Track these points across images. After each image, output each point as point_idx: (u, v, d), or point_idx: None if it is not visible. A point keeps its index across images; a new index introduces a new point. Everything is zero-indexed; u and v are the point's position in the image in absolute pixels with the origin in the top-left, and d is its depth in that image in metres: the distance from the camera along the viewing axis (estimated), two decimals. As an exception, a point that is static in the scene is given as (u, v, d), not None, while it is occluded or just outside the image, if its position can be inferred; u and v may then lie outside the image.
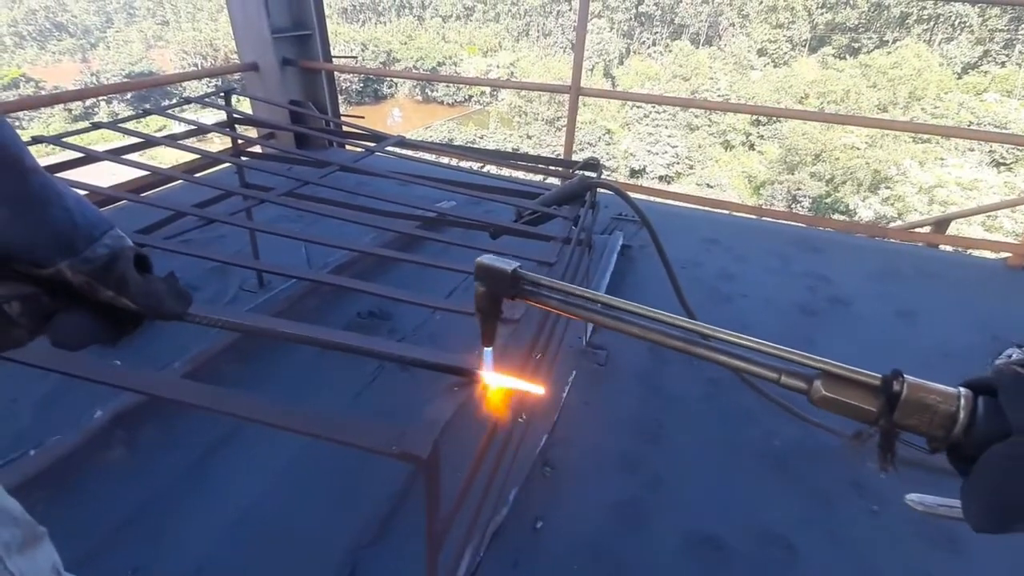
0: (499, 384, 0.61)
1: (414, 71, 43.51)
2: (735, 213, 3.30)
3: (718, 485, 1.47)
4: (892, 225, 3.83)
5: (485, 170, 2.69)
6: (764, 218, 3.16)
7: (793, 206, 28.92)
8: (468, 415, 0.64)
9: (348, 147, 3.12)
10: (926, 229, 3.47)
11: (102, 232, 0.44)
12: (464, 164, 2.71)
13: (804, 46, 44.35)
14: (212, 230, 2.25)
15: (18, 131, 0.50)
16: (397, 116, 40.99)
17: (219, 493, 1.34)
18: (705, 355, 0.60)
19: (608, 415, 1.69)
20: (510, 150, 32.72)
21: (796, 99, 34.95)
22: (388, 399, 1.66)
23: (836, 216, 27.17)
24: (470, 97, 43.77)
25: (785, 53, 43.44)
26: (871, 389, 0.52)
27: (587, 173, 1.52)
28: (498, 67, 43.68)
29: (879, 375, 0.52)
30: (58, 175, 1.28)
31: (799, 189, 28.75)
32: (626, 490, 1.44)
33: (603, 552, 1.29)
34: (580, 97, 2.94)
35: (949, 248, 2.96)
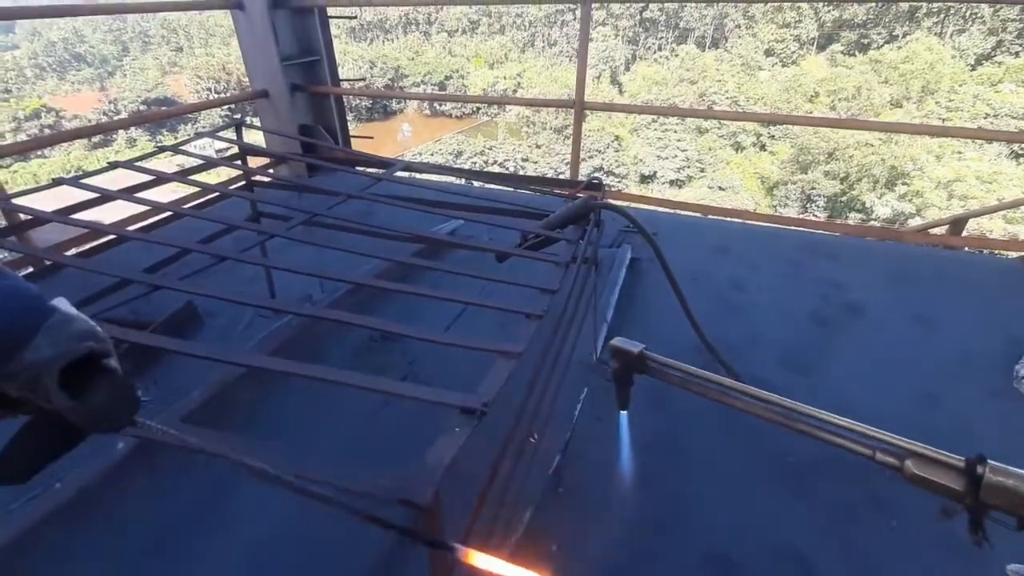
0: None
1: (421, 86, 43.98)
2: (746, 221, 3.28)
3: (734, 502, 1.46)
4: (909, 223, 3.78)
5: (492, 186, 2.71)
6: (775, 224, 3.13)
7: (808, 206, 28.60)
8: (476, 442, 0.65)
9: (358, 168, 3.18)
10: (943, 229, 3.41)
11: (32, 330, 0.39)
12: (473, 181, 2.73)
13: (812, 44, 44.04)
14: (227, 257, 2.30)
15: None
16: (407, 131, 41.49)
17: (239, 517, 1.37)
18: (806, 431, 0.70)
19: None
20: (519, 159, 32.91)
21: (806, 98, 34.67)
22: (400, 422, 1.68)
23: (852, 215, 26.80)
24: (478, 109, 44.20)
25: (793, 52, 43.18)
26: (956, 470, 0.58)
27: (591, 193, 1.53)
28: (504, 79, 44.08)
29: (963, 458, 0.59)
30: (74, 216, 1.33)
31: (813, 189, 28.42)
32: (641, 509, 1.44)
33: (620, 574, 1.28)
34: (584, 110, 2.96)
35: (967, 249, 2.91)
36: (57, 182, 1.35)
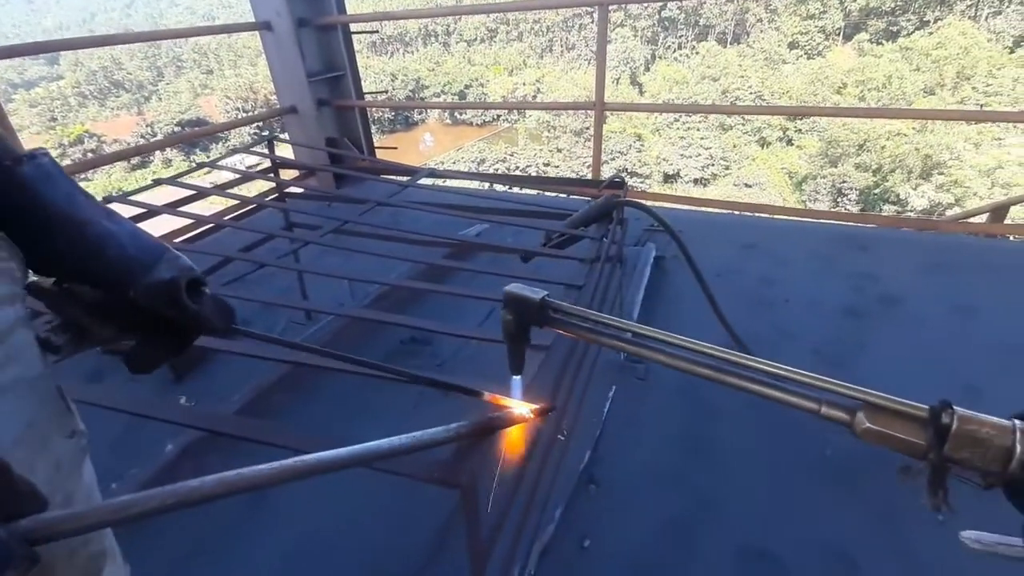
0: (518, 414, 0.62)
1: (443, 96, 44.53)
2: (775, 216, 3.23)
3: (770, 499, 1.44)
4: (948, 214, 3.65)
5: (515, 189, 2.73)
6: (804, 218, 3.07)
7: (839, 199, 27.80)
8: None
9: (384, 176, 3.26)
10: (983, 218, 3.29)
11: (156, 259, 0.53)
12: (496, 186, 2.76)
13: (838, 35, 42.98)
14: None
15: (83, 184, 0.60)
16: (429, 141, 42.03)
17: (278, 520, 1.42)
18: (739, 385, 0.57)
19: (651, 430, 1.68)
20: (541, 164, 32.98)
21: (833, 89, 33.81)
22: (432, 422, 1.71)
23: (887, 207, 25.94)
24: (498, 116, 44.49)
25: (818, 44, 42.23)
26: (918, 421, 0.49)
27: (613, 191, 1.55)
28: (524, 84, 44.27)
29: (926, 406, 0.50)
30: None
31: (844, 182, 27.62)
32: (674, 506, 1.43)
33: (654, 570, 1.28)
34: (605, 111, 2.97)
35: (1012, 237, 2.80)
36: (107, 200, 1.43)
